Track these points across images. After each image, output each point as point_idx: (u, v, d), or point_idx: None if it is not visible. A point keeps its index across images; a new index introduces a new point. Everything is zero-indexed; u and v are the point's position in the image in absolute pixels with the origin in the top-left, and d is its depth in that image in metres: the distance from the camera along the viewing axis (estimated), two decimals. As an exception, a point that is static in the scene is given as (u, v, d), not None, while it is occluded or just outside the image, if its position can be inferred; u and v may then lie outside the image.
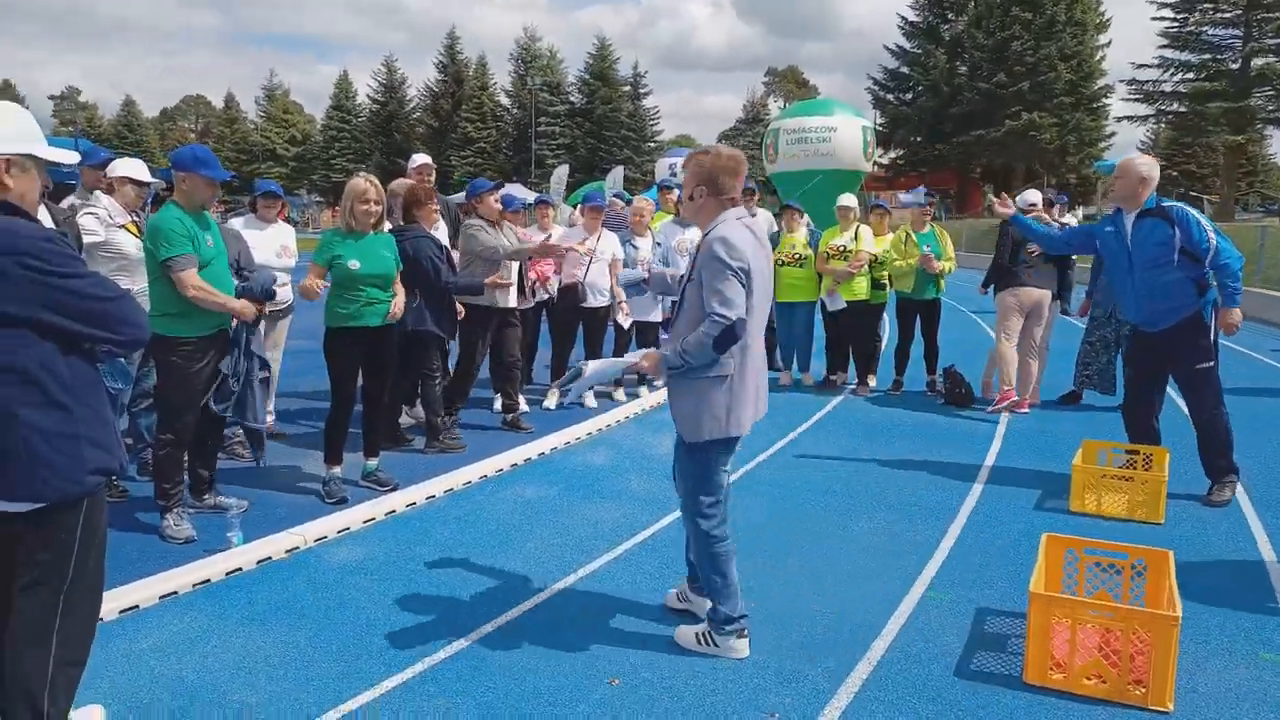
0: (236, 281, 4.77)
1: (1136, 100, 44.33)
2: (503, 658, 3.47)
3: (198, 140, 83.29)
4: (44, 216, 4.46)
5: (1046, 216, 7.59)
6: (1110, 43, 47.08)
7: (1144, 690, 3.14)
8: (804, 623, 3.77)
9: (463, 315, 6.47)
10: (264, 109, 76.37)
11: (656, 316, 8.07)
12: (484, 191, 6.61)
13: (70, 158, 2.73)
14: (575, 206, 8.24)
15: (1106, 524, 4.97)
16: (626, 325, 7.77)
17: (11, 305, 2.30)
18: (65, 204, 5.43)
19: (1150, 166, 5.29)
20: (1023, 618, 3.54)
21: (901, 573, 4.30)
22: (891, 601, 3.98)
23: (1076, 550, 3.81)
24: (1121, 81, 45.56)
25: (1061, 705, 3.15)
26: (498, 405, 7.41)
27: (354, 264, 5.03)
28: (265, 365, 4.92)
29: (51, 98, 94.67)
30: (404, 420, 6.89)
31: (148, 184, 5.46)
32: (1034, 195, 7.81)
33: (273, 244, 6.41)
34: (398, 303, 5.29)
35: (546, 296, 7.71)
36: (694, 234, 8.33)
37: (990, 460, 6.27)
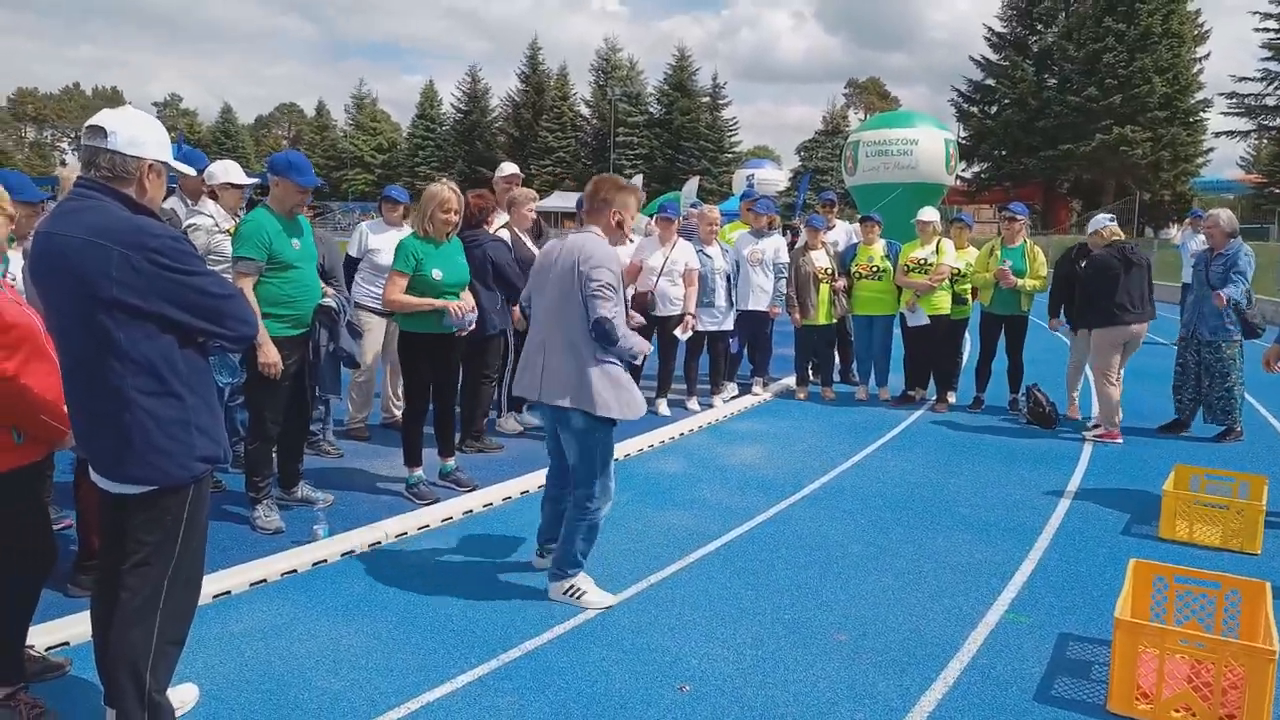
0: (325, 288, 4.92)
1: (1236, 114, 42.61)
2: (575, 659, 3.51)
3: (290, 147, 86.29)
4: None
5: (1104, 236, 7.36)
6: (1209, 55, 45.32)
7: (1236, 725, 3.02)
8: (879, 638, 3.73)
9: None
10: (353, 117, 78.70)
11: (728, 325, 8.06)
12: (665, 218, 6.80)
13: (190, 171, 2.89)
14: (651, 217, 8.27)
15: (1198, 552, 4.79)
16: (683, 338, 7.73)
17: (140, 298, 2.44)
18: (167, 206, 5.69)
19: None
20: (1107, 645, 3.45)
21: (980, 593, 4.21)
22: (970, 622, 3.90)
23: (1166, 577, 3.69)
24: (1220, 95, 43.72)
25: (1147, 736, 3.06)
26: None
27: (437, 273, 5.12)
28: (352, 362, 5.04)
29: (155, 104, 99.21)
30: (512, 425, 7.03)
31: (245, 186, 5.68)
32: (1104, 217, 7.60)
33: (396, 244, 6.63)
34: (467, 307, 5.27)
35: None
36: (767, 245, 8.35)
37: (1075, 483, 6.09)
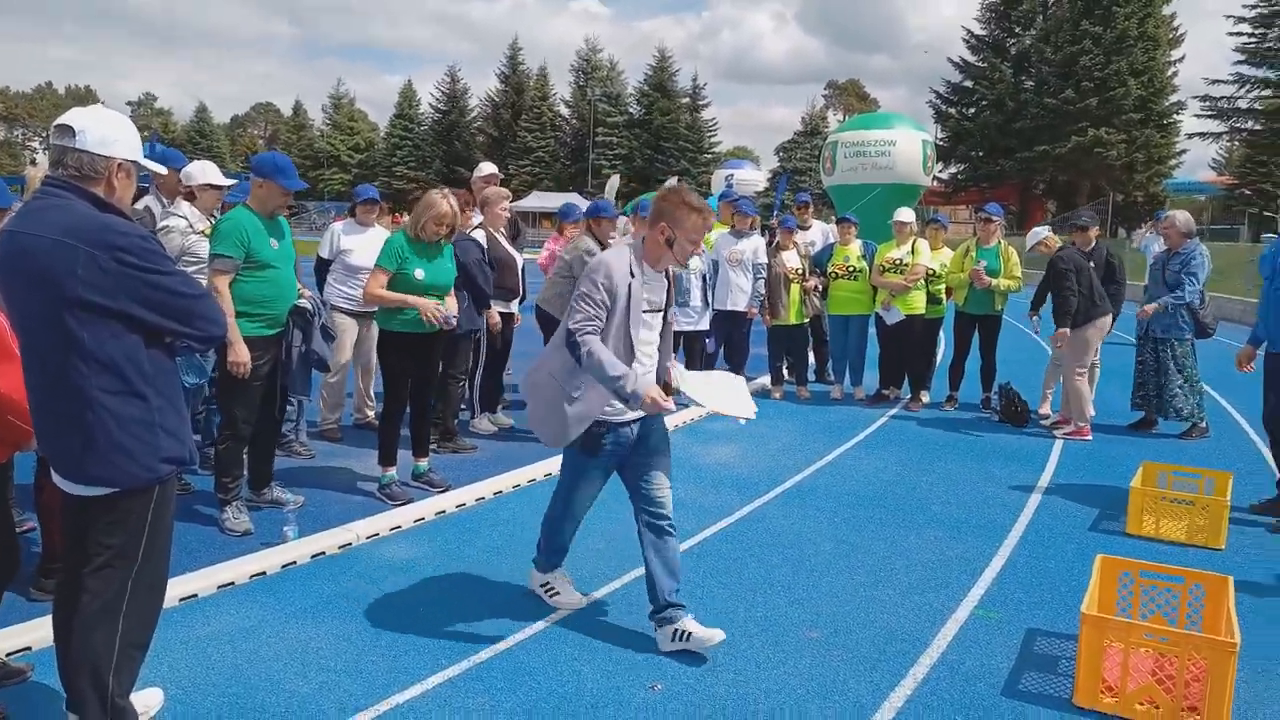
0: (301, 289, 4.90)
1: (1209, 117, 43.08)
2: (546, 659, 3.51)
3: (266, 147, 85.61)
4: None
5: (1051, 245, 7.45)
6: (1184, 58, 45.82)
7: (1199, 718, 3.06)
8: (850, 635, 3.75)
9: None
10: (330, 117, 78.19)
11: (704, 325, 8.08)
12: (604, 216, 6.81)
13: (161, 170, 2.86)
14: (628, 215, 8.30)
15: (1164, 548, 4.85)
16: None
17: (106, 297, 2.41)
18: (141, 204, 5.63)
19: None
20: (1073, 639, 3.48)
21: (951, 590, 4.24)
22: (940, 618, 3.93)
23: (1132, 573, 3.74)
24: (1194, 98, 44.22)
25: (1112, 730, 3.09)
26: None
27: (419, 274, 5.13)
28: (324, 365, 5.02)
29: (129, 103, 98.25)
30: (486, 426, 7.01)
31: (224, 187, 5.62)
32: (1043, 230, 7.69)
33: (372, 245, 6.58)
34: (449, 310, 5.29)
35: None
36: (747, 245, 8.36)
37: (1045, 480, 6.15)
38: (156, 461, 2.56)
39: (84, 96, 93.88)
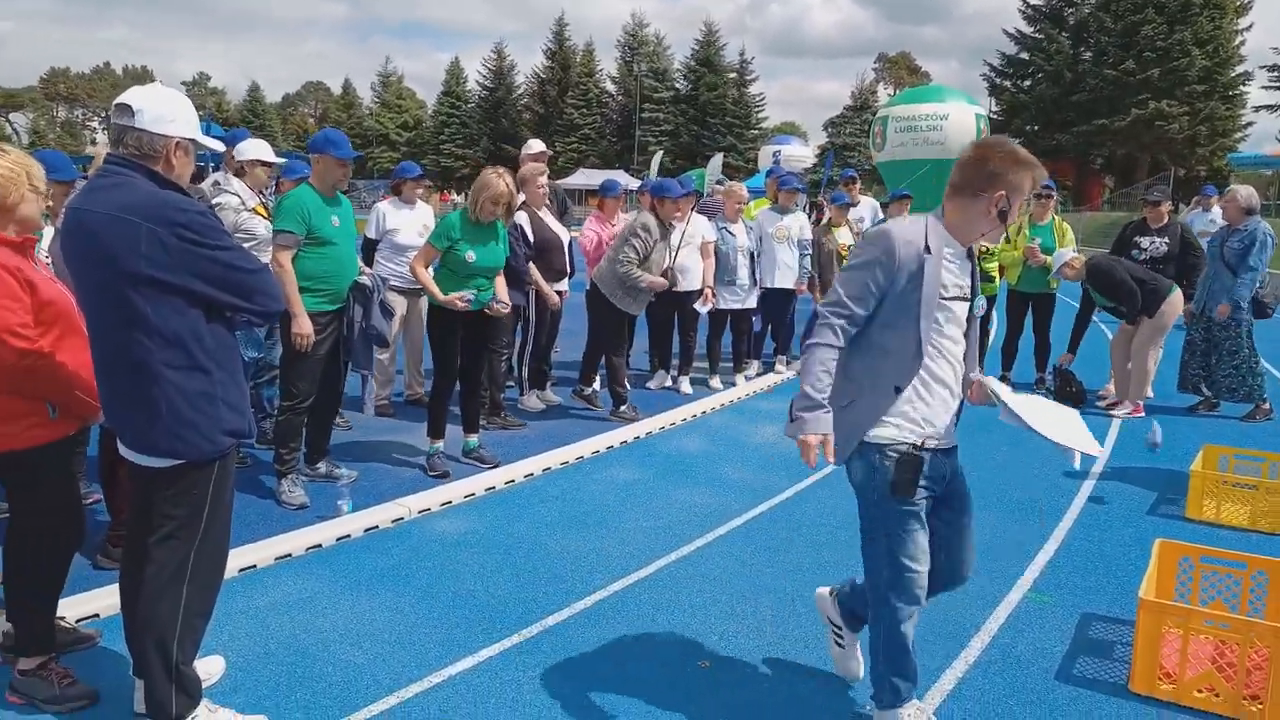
0: (361, 266, 4.98)
1: (1277, 88, 41.56)
2: (596, 634, 3.54)
3: (316, 126, 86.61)
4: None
5: (1076, 267, 7.25)
6: (1251, 26, 44.12)
7: (1261, 706, 2.99)
8: (898, 617, 3.72)
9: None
10: (379, 95, 78.84)
11: (751, 303, 8.02)
12: (668, 196, 6.78)
13: (219, 146, 2.91)
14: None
15: (1224, 533, 4.73)
16: (703, 311, 7.72)
17: (168, 273, 2.47)
18: (209, 182, 5.75)
19: None
20: (1130, 625, 3.42)
21: (1004, 572, 4.19)
22: (992, 601, 3.89)
23: (1192, 558, 3.65)
24: (1262, 68, 42.64)
25: (1170, 717, 3.03)
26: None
27: (470, 255, 5.18)
28: (383, 341, 5.10)
29: (184, 83, 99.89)
30: (534, 403, 7.06)
31: (274, 164, 5.71)
32: (1068, 252, 7.45)
33: (416, 223, 6.72)
34: (499, 298, 5.39)
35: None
36: (792, 221, 8.26)
37: (1102, 461, 6.02)
38: (219, 434, 2.63)
39: (141, 76, 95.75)
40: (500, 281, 5.48)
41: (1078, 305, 7.85)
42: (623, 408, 6.87)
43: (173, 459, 2.59)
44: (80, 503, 3.17)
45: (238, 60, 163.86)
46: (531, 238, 6.48)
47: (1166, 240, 7.43)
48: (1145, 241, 7.54)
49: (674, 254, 7.45)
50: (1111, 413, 7.29)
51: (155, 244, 2.44)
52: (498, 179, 5.20)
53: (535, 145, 7.33)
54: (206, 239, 2.51)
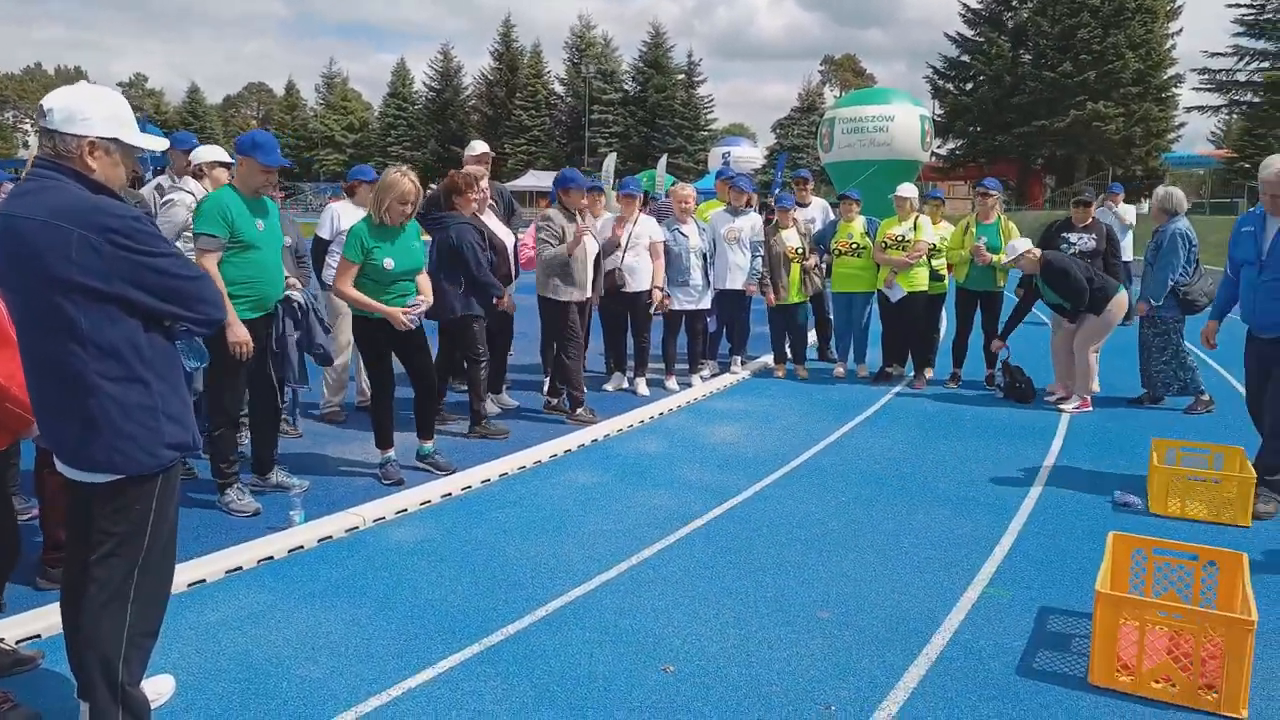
0: (288, 275, 4.85)
1: (1208, 90, 42.83)
2: (558, 641, 3.49)
3: (259, 127, 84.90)
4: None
5: (1033, 258, 7.37)
6: (1181, 30, 45.47)
7: (1216, 695, 3.05)
8: (862, 615, 3.73)
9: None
10: (323, 97, 77.55)
11: (705, 304, 8.02)
12: (572, 188, 6.82)
13: (159, 145, 2.79)
14: (618, 192, 8.24)
15: (1173, 524, 4.82)
16: (651, 311, 7.71)
17: (101, 281, 2.36)
18: (152, 184, 5.61)
19: None
20: (1087, 618, 3.47)
21: (962, 568, 4.22)
22: (951, 597, 3.91)
23: (1145, 550, 3.71)
24: (1192, 70, 43.94)
25: (1129, 708, 3.07)
26: (545, 390, 7.47)
27: (388, 263, 5.02)
28: (328, 359, 4.98)
29: (120, 84, 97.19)
30: (490, 408, 6.86)
31: (232, 165, 5.57)
32: (1022, 244, 7.55)
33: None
34: (420, 305, 5.18)
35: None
36: (744, 222, 8.28)
37: (1052, 457, 6.13)
38: (160, 447, 2.52)
39: (73, 77, 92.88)
40: (424, 283, 5.32)
41: (1015, 297, 7.94)
42: (579, 410, 6.82)
43: (111, 474, 2.47)
44: (14, 522, 3.04)
45: (176, 60, 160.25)
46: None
47: (1094, 236, 7.62)
48: (1074, 237, 7.71)
49: (621, 254, 7.43)
50: (1060, 407, 7.42)
51: (87, 250, 2.33)
52: (402, 178, 5.03)
53: (478, 146, 7.21)
54: (142, 245, 2.40)
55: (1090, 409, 7.34)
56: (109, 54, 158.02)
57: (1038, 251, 7.38)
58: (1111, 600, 3.20)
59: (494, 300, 6.27)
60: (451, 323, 6.18)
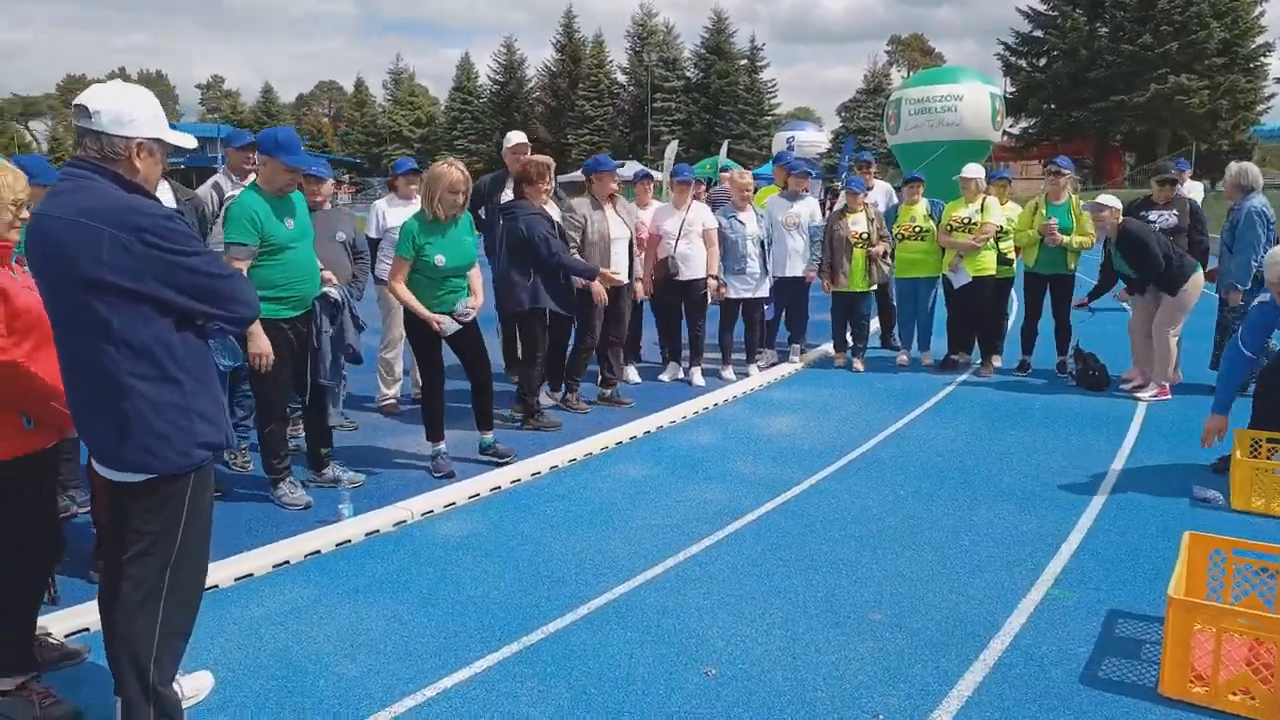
0: (323, 269, 4.83)
1: (1301, 58, 40.80)
2: (598, 640, 3.41)
3: (330, 125, 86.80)
4: (166, 195, 4.64)
5: (1113, 219, 6.99)
6: (1272, -4, 43.34)
7: (1301, 710, 2.82)
8: (917, 617, 3.57)
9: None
10: (391, 93, 78.83)
11: (763, 292, 7.84)
12: (603, 171, 6.66)
13: (189, 142, 2.78)
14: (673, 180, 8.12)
15: (1257, 522, 4.53)
16: (709, 302, 7.58)
17: (133, 280, 2.35)
18: (210, 183, 5.66)
19: None
20: (1159, 623, 3.26)
21: (1025, 568, 4.02)
22: (1013, 598, 3.72)
23: (1224, 551, 3.47)
24: (1284, 38, 41.87)
25: (1203, 722, 2.87)
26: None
27: (440, 259, 5.00)
28: (357, 359, 4.96)
29: (199, 87, 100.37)
30: (545, 400, 6.77)
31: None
32: (1111, 200, 7.17)
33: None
34: (470, 312, 5.16)
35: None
36: (802, 208, 8.07)
37: (1126, 449, 5.82)
38: (193, 447, 2.50)
39: (155, 81, 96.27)
40: (475, 280, 5.30)
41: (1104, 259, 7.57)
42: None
43: (144, 473, 2.47)
44: (57, 518, 3.07)
45: (251, 62, 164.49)
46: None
47: (1175, 212, 7.22)
48: (1154, 215, 7.34)
49: (674, 242, 7.31)
50: (1137, 396, 7.07)
51: (119, 250, 2.32)
52: (449, 168, 5.01)
53: (514, 137, 7.12)
54: (174, 244, 2.38)
55: (1169, 397, 6.96)
56: (187, 59, 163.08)
57: (1120, 212, 7.02)
58: (1185, 606, 2.99)
59: (583, 283, 6.31)
60: (518, 315, 6.16)
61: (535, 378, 6.33)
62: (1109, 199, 7.14)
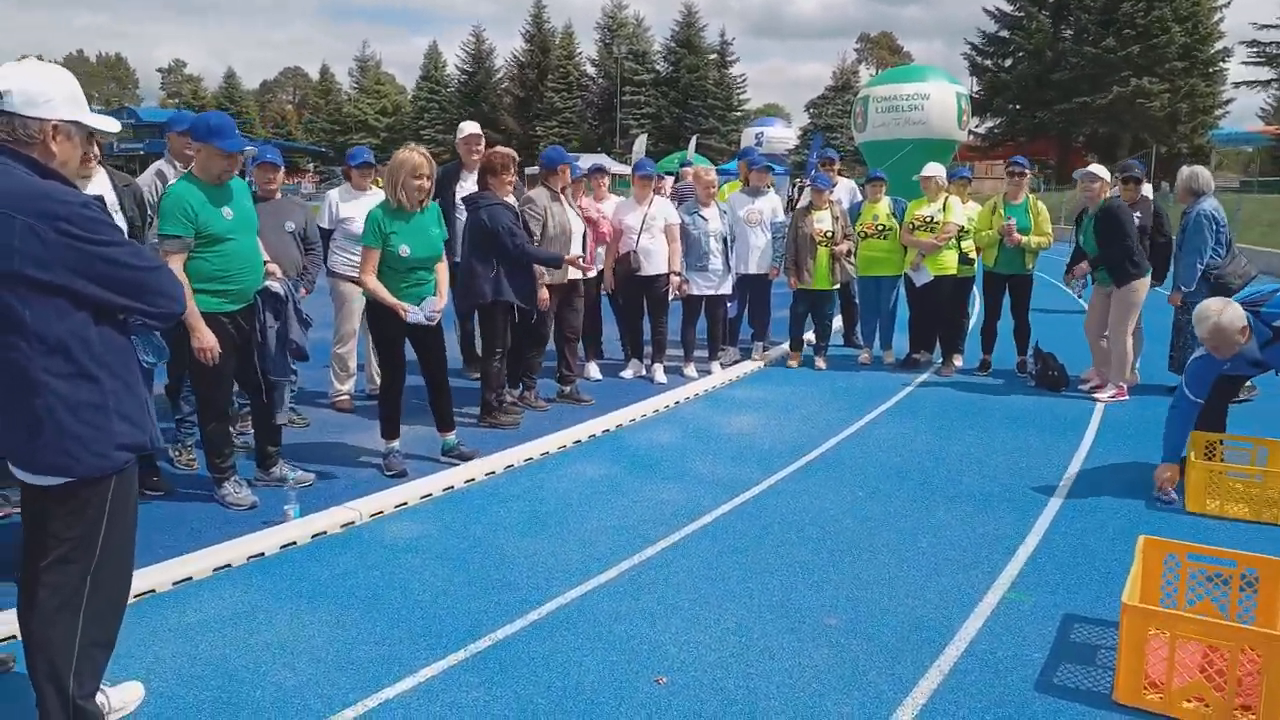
0: (266, 258, 4.67)
1: (1258, 63, 41.63)
2: (548, 648, 3.32)
3: (295, 112, 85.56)
4: (103, 181, 4.46)
5: (1101, 191, 7.04)
6: (1230, 3, 44.02)
7: (1254, 717, 2.80)
8: (873, 622, 3.51)
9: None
10: (357, 80, 77.82)
11: (726, 289, 7.78)
12: (556, 165, 6.56)
13: (111, 126, 2.63)
14: (659, 175, 8.03)
15: (1211, 525, 4.54)
16: (670, 298, 7.52)
17: (47, 271, 2.21)
18: (153, 170, 5.45)
19: None
20: (1114, 628, 3.23)
21: (981, 571, 3.99)
22: (969, 602, 3.68)
23: (1178, 555, 3.46)
24: (1242, 43, 42.60)
25: (1156, 730, 2.84)
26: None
27: (404, 250, 4.88)
28: (303, 354, 4.79)
29: (159, 70, 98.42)
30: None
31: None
32: (1102, 171, 7.22)
33: (368, 211, 6.40)
34: (436, 314, 5.01)
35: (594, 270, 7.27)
36: (764, 204, 8.02)
37: (1084, 450, 5.84)
38: (111, 449, 2.37)
39: (114, 64, 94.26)
40: (441, 275, 5.18)
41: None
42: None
43: (60, 476, 2.34)
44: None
45: (214, 46, 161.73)
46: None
47: (1139, 214, 7.26)
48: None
49: (636, 237, 7.23)
50: (1095, 396, 7.11)
51: (31, 238, 2.18)
52: (411, 152, 4.88)
53: (467, 127, 6.96)
54: (91, 233, 2.25)
55: (1127, 398, 7.01)
56: (148, 41, 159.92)
57: (1108, 186, 7.05)
58: (1139, 613, 2.96)
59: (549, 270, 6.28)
60: (480, 308, 6.04)
61: (495, 373, 6.21)
62: (1102, 170, 7.17)
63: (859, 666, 3.20)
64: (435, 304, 5.03)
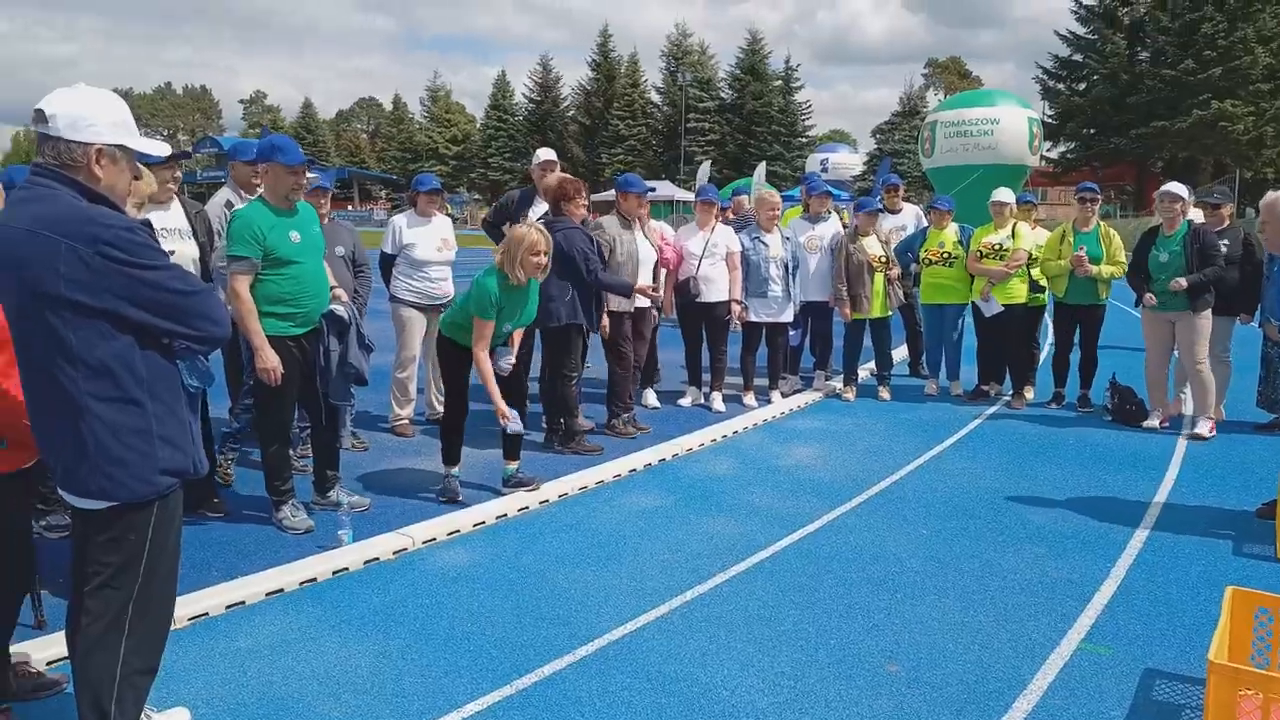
0: (333, 282, 4.72)
1: (1349, 84, 39.79)
2: (596, 686, 3.22)
3: (369, 141, 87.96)
4: (177, 211, 4.58)
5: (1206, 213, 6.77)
6: (1319, 22, 42.33)
7: (1358, 793, 2.56)
8: (936, 671, 3.34)
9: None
10: (428, 109, 79.73)
11: (787, 317, 7.64)
12: (632, 191, 6.57)
13: (161, 149, 2.65)
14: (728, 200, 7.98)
15: (1308, 573, 4.25)
16: (733, 328, 7.43)
17: (91, 295, 2.22)
18: (221, 198, 5.56)
19: None
20: (1200, 685, 3.00)
21: (1054, 619, 3.77)
22: (1041, 653, 3.48)
23: (1271, 609, 3.21)
24: (1332, 64, 40.85)
25: (1248, 802, 2.62)
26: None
27: (506, 327, 5.05)
28: (361, 380, 4.81)
29: (241, 101, 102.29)
30: (584, 423, 6.53)
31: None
32: (1176, 186, 6.89)
33: (434, 237, 6.51)
34: (511, 355, 5.19)
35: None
36: (824, 230, 7.89)
37: (1165, 489, 5.54)
38: (155, 474, 2.37)
39: (199, 95, 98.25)
40: (516, 336, 5.29)
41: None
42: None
43: (103, 500, 2.33)
44: (29, 542, 2.94)
45: (293, 77, 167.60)
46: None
47: (1227, 242, 6.91)
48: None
49: (697, 263, 7.16)
50: (1197, 431, 6.69)
51: (76, 263, 2.19)
52: (529, 229, 4.89)
53: (543, 153, 6.93)
54: (135, 257, 2.25)
55: (1212, 435, 6.66)
56: (232, 73, 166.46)
57: (1189, 207, 6.83)
58: (1228, 672, 2.74)
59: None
60: (553, 331, 6.05)
61: (573, 395, 6.19)
62: (1183, 189, 6.88)
63: (920, 719, 3.03)
64: (510, 358, 5.18)
